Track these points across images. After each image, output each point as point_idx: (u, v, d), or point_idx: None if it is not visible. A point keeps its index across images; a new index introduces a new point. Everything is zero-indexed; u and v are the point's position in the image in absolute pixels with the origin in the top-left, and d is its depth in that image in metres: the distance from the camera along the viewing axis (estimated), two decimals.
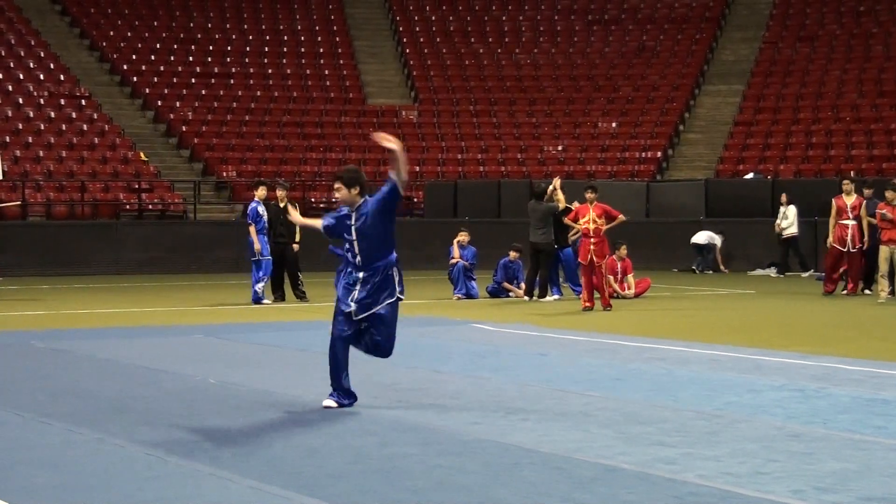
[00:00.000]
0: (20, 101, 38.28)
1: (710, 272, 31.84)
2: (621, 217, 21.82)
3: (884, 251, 22.53)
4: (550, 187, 23.78)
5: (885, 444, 8.82)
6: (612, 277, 23.47)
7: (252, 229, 22.26)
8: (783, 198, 31.06)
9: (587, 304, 20.98)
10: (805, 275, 30.28)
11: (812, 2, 46.44)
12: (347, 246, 10.52)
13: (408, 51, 45.58)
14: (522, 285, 23.99)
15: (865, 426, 9.56)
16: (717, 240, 32.41)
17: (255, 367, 13.44)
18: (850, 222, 24.42)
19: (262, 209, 22.48)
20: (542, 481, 7.67)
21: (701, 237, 32.37)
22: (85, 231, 32.82)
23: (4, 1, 42.79)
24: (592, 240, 21.05)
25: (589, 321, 19.04)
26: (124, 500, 7.23)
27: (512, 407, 10.54)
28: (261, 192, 22.85)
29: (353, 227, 10.43)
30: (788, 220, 30.76)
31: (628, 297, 23.63)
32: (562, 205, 23.29)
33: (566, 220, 22.58)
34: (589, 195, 21.48)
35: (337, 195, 10.66)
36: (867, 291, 24.32)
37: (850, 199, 24.55)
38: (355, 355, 10.53)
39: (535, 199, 23.73)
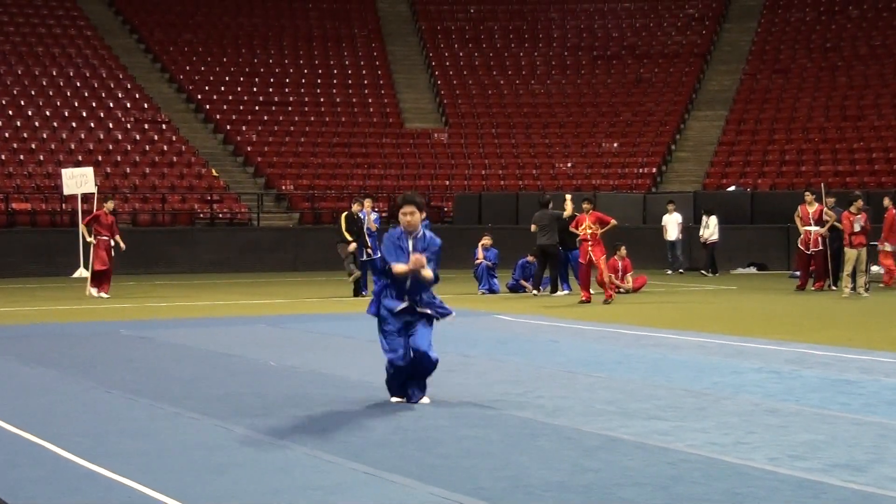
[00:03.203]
0: (110, 125, 38.46)
1: (682, 272, 30.68)
2: (613, 222, 22.05)
3: (852, 253, 22.22)
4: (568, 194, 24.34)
5: (849, 419, 8.77)
6: (612, 275, 23.46)
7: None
8: (586, 205, 30.49)
9: (585, 296, 21.09)
10: (709, 275, 29.81)
11: (785, 40, 46.22)
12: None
13: (439, 82, 45.58)
14: None
15: (832, 403, 9.52)
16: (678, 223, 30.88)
17: (309, 351, 13.46)
18: (812, 228, 24.33)
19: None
20: (554, 449, 7.66)
21: (673, 232, 30.94)
22: (165, 236, 32.95)
23: (97, 41, 43.01)
24: (590, 243, 21.20)
25: (594, 313, 19.01)
26: (198, 464, 7.26)
27: (528, 385, 10.52)
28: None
29: (410, 253, 9.30)
30: (710, 229, 30.34)
31: (627, 289, 23.60)
32: (566, 213, 23.40)
33: (571, 228, 22.61)
34: (585, 206, 21.74)
35: (409, 219, 9.31)
36: (833, 288, 24.18)
37: (811, 208, 24.47)
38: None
39: (542, 207, 23.85)
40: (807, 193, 24.89)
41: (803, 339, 14.42)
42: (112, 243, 23.10)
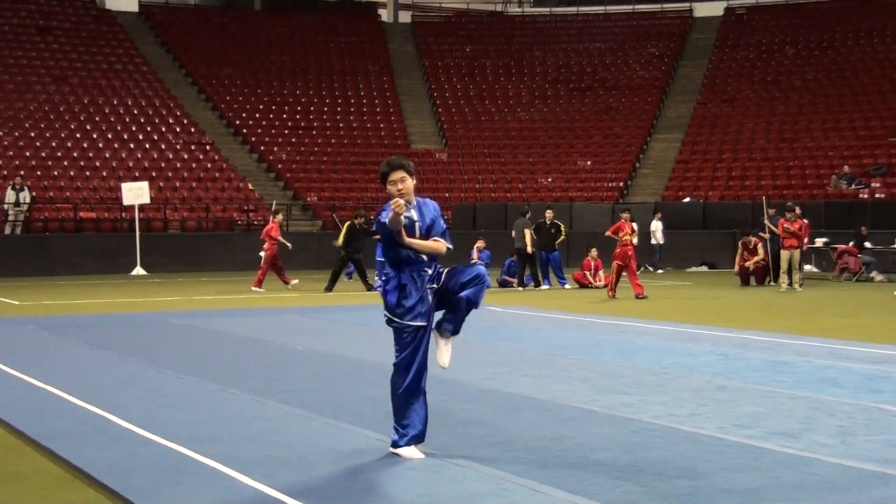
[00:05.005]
0: (163, 146, 38.44)
1: (661, 270, 30.39)
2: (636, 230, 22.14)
3: (784, 254, 22.45)
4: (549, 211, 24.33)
5: (785, 394, 8.79)
6: (587, 272, 23.46)
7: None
8: (626, 215, 30.09)
9: (612, 293, 20.62)
10: (658, 271, 29.63)
11: (732, 74, 46.20)
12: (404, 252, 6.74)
13: (440, 110, 45.56)
14: None
15: (771, 381, 9.53)
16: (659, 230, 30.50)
17: (331, 337, 13.46)
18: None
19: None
20: (537, 419, 7.68)
21: (659, 236, 30.45)
22: (209, 240, 32.93)
23: (152, 75, 42.99)
24: (630, 247, 21.00)
25: (571, 305, 19.01)
26: (237, 432, 7.27)
27: (515, 366, 10.54)
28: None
29: (417, 227, 6.83)
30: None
31: (598, 287, 23.56)
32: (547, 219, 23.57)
33: (608, 233, 21.88)
34: (625, 215, 21.42)
35: (402, 186, 6.76)
36: (772, 284, 24.20)
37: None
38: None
39: (520, 216, 24.05)
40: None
41: (747, 327, 14.44)
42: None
